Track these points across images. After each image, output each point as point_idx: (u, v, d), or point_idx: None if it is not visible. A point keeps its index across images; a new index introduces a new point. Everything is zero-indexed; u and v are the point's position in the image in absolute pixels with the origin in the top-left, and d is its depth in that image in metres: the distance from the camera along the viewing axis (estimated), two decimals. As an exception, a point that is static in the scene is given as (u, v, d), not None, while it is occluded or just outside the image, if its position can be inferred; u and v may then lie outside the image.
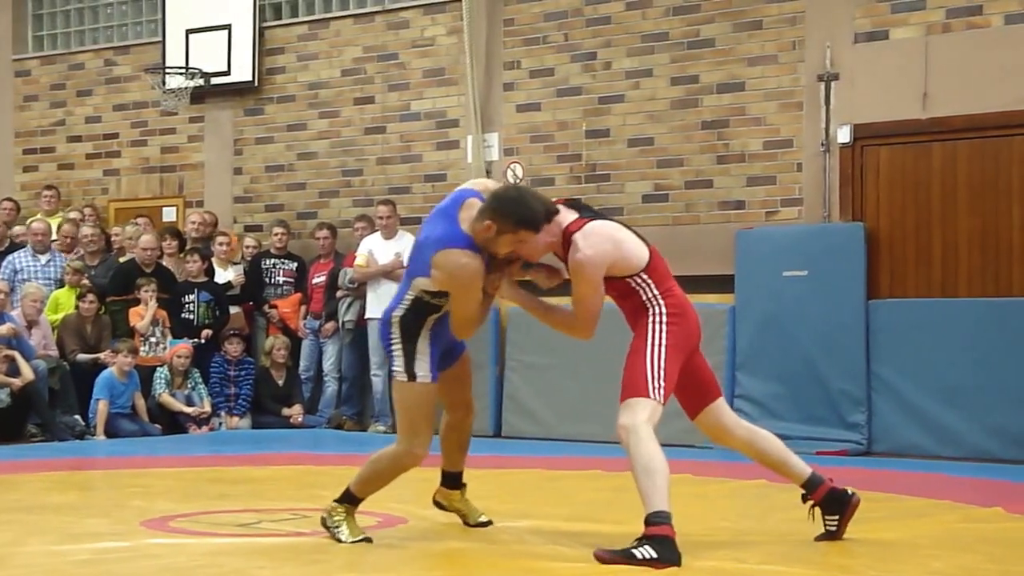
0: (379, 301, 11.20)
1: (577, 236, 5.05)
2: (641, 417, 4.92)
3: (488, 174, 12.13)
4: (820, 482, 5.42)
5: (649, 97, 11.47)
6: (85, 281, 12.16)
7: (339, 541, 5.31)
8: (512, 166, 12.11)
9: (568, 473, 8.37)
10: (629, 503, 6.37)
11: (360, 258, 11.92)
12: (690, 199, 11.27)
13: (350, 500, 5.40)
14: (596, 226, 5.10)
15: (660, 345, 5.03)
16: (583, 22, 11.81)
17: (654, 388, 4.98)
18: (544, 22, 12.01)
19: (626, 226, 5.28)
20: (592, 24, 11.76)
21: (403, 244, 11.77)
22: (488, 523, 5.78)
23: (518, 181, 12.03)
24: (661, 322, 5.08)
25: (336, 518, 5.37)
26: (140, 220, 13.23)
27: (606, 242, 5.07)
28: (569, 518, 6.18)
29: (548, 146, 11.96)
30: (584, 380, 11.01)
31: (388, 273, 11.59)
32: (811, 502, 5.45)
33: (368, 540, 5.32)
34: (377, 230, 12.05)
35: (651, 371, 4.99)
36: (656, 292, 5.13)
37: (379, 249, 11.88)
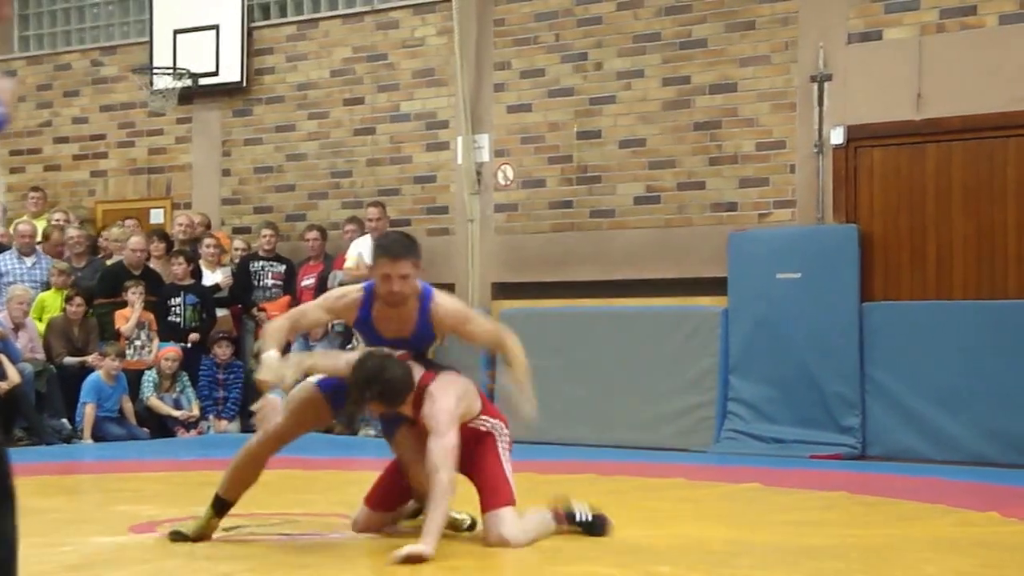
0: (369, 304, 11.12)
1: (431, 389, 5.30)
2: (518, 526, 5.34)
3: (478, 175, 12.07)
4: None
5: (641, 98, 11.41)
6: (71, 286, 12.06)
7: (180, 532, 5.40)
8: (503, 167, 12.05)
9: (561, 476, 8.32)
10: (622, 505, 6.32)
11: (350, 260, 11.86)
12: (682, 201, 11.21)
13: (219, 507, 5.46)
14: (443, 378, 5.37)
15: (507, 458, 5.51)
16: (574, 22, 11.75)
17: (513, 494, 5.42)
18: (535, 22, 11.94)
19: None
20: (583, 24, 11.70)
21: (393, 246, 11.69)
22: (472, 526, 5.70)
23: (508, 182, 11.98)
24: (504, 441, 5.53)
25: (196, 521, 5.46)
26: (127, 222, 13.16)
27: (458, 390, 5.38)
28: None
29: (539, 147, 11.90)
30: (576, 383, 10.94)
31: (378, 275, 11.51)
32: None
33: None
34: (367, 232, 11.98)
35: (509, 478, 5.46)
36: (491, 420, 5.53)
37: (369, 251, 11.77)
